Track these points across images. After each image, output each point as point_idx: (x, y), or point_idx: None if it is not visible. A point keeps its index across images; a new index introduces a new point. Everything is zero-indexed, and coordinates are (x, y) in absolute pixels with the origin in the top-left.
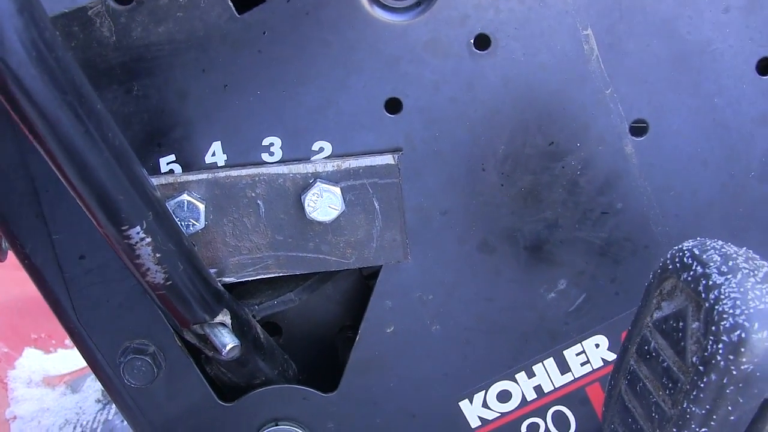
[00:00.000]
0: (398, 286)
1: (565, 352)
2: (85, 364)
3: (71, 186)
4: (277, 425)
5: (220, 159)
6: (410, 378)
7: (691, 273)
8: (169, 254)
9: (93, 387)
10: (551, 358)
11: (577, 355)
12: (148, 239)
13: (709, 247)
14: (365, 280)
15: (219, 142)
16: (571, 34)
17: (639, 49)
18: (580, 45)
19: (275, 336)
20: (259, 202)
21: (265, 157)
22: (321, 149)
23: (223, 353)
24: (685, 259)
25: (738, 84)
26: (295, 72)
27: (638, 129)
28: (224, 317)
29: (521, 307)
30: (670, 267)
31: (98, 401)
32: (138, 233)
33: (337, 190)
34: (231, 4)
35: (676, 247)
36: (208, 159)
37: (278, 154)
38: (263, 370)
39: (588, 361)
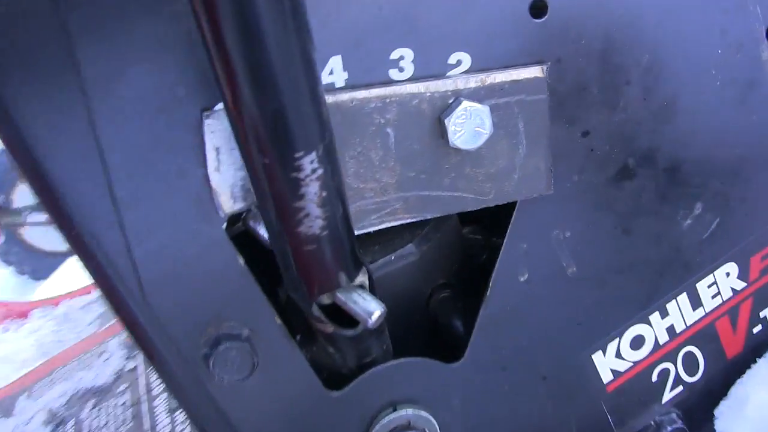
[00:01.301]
0: (535, 223)
1: (697, 285)
2: (12, 379)
3: (240, 97)
4: (395, 410)
5: (340, 78)
6: (543, 333)
7: None
8: (334, 192)
9: (30, 407)
10: (684, 293)
11: (709, 287)
12: (320, 171)
13: None
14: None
15: (339, 56)
16: None
17: None
18: None
19: None
20: (388, 130)
21: (393, 74)
22: (459, 62)
23: (369, 322)
24: None
25: None
26: None
27: None
28: (363, 277)
29: (658, 237)
30: None
31: (47, 423)
32: (312, 163)
33: (485, 109)
34: None
35: None
36: (325, 78)
37: (409, 70)
38: (374, 346)
39: (719, 293)
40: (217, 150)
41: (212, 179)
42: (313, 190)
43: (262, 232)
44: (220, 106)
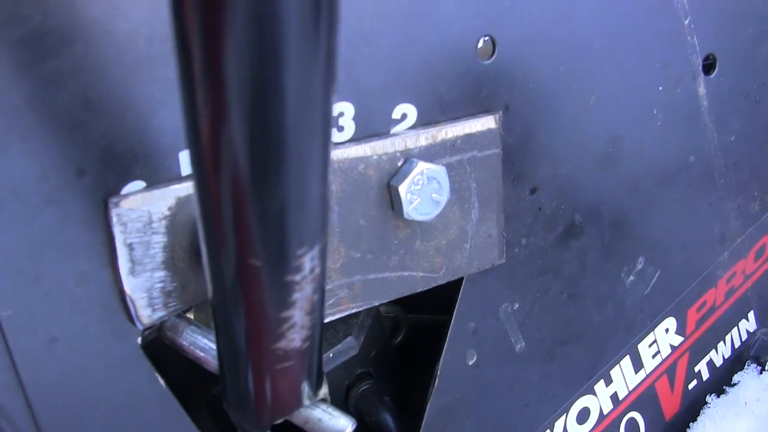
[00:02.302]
0: (483, 299)
1: (639, 346)
2: None
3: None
4: None
5: None
6: (491, 420)
7: None
8: (321, 297)
9: None
10: (627, 356)
11: (650, 345)
12: (318, 270)
13: None
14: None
15: None
16: None
17: None
18: None
19: None
20: (332, 204)
21: (333, 134)
22: (404, 116)
23: None
24: None
25: None
26: (364, 10)
27: (709, 64)
28: (325, 388)
29: (603, 299)
30: None
31: None
32: (312, 260)
33: (442, 171)
34: None
35: None
36: None
37: (350, 129)
38: None
39: (659, 351)
40: (130, 247)
41: (126, 284)
42: (305, 294)
43: (187, 343)
44: (130, 188)
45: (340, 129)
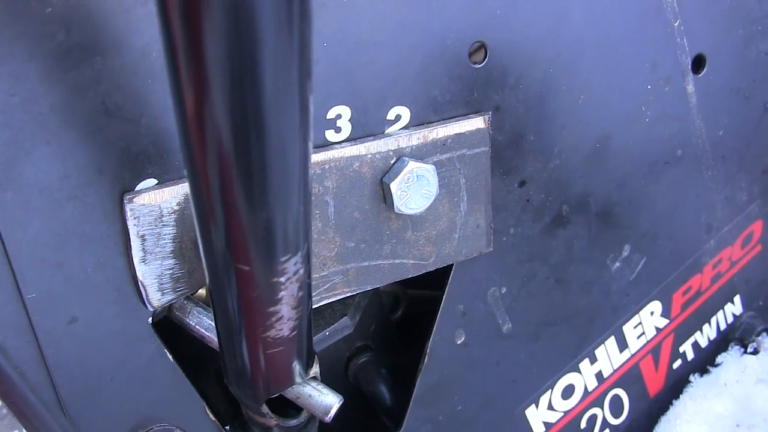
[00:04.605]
0: (471, 283)
1: (624, 328)
2: None
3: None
4: None
5: None
6: (479, 395)
7: None
8: (307, 290)
9: None
10: (612, 337)
11: (635, 327)
12: (301, 271)
13: None
14: None
15: None
16: None
17: None
18: None
19: None
20: (327, 198)
21: (330, 135)
22: (398, 117)
23: (327, 417)
24: None
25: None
26: (361, 18)
27: (698, 63)
28: (316, 367)
29: (589, 284)
30: None
31: None
32: (295, 264)
33: (431, 169)
34: None
35: None
36: None
37: (346, 130)
38: (312, 429)
39: (643, 333)
40: (143, 238)
41: (138, 271)
42: (291, 292)
43: (194, 323)
44: (143, 185)
45: (338, 130)
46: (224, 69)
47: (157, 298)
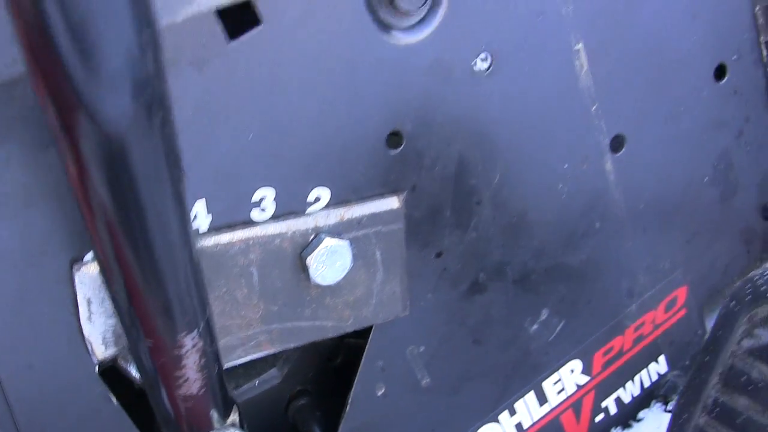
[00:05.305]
0: (390, 342)
1: (543, 384)
2: None
3: (133, 290)
4: None
5: (204, 222)
6: None
7: None
8: (211, 356)
9: None
10: (532, 392)
11: (554, 384)
12: (200, 344)
13: None
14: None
15: (203, 200)
16: (565, 50)
17: (621, 59)
18: (572, 61)
19: None
20: (252, 269)
21: (255, 214)
22: (318, 198)
23: None
24: None
25: (699, 90)
26: (290, 106)
27: (617, 143)
28: (234, 415)
29: (507, 344)
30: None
31: None
32: (193, 339)
33: (345, 244)
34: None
35: (759, 273)
36: None
37: (270, 210)
38: None
39: (563, 389)
40: (89, 301)
41: (85, 329)
42: (192, 361)
43: (134, 372)
44: (89, 256)
45: (263, 210)
46: (106, 193)
47: (101, 351)
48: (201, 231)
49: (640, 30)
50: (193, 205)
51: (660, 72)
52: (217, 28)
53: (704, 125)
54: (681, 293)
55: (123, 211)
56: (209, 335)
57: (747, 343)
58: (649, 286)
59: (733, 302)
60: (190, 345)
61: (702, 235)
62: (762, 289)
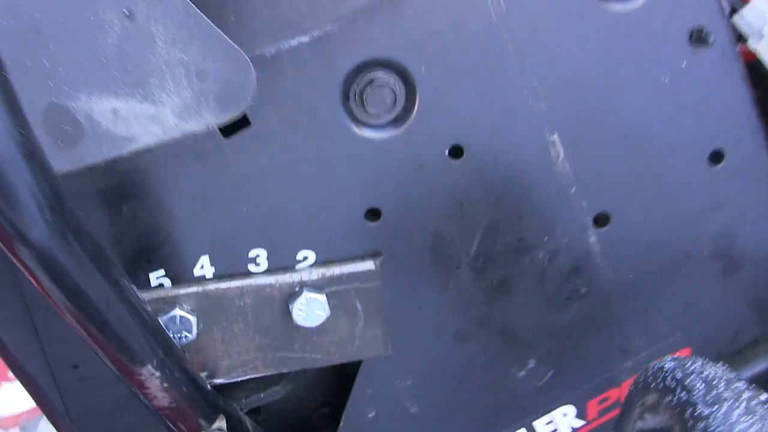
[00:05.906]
0: (378, 375)
1: (534, 423)
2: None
3: (88, 337)
4: None
5: (209, 272)
6: None
7: (676, 398)
8: (175, 381)
9: (48, 430)
10: (522, 429)
11: (547, 424)
12: (158, 373)
13: (690, 370)
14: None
15: (207, 255)
16: (538, 141)
17: (601, 148)
18: (547, 150)
19: (253, 414)
20: (247, 310)
21: (251, 268)
22: (305, 258)
23: None
24: (667, 381)
25: (691, 175)
26: (279, 188)
27: (601, 220)
28: (220, 422)
29: (493, 386)
30: (652, 385)
31: None
32: (149, 370)
33: (322, 297)
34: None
35: (656, 365)
36: (197, 272)
37: (264, 265)
38: None
39: (557, 429)
40: None
41: None
42: (154, 384)
43: None
44: None
45: (257, 264)
46: (49, 283)
47: None
48: (207, 277)
49: (621, 122)
50: (199, 258)
51: (645, 158)
52: (215, 129)
53: (700, 207)
54: (685, 353)
55: (67, 295)
56: (172, 362)
57: (639, 424)
58: (644, 347)
59: (633, 387)
60: (147, 374)
61: (702, 304)
62: (649, 380)
